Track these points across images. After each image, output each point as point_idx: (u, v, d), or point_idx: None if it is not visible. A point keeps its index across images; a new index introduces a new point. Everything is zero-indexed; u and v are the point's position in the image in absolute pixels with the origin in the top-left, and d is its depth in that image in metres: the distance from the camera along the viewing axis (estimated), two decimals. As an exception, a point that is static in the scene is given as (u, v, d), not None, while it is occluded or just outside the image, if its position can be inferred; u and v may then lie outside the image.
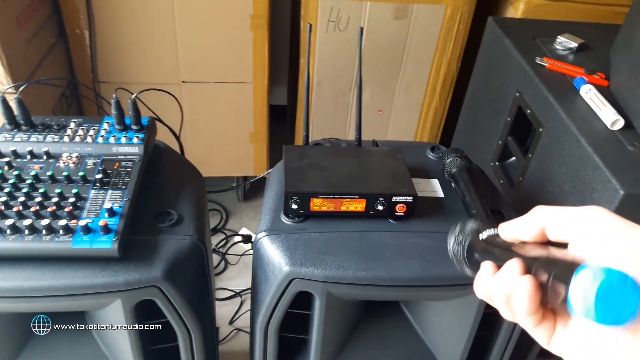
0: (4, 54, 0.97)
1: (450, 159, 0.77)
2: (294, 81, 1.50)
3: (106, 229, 0.59)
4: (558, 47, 1.01)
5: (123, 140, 0.71)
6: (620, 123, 0.80)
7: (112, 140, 0.71)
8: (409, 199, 0.68)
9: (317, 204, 0.67)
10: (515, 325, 0.73)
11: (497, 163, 1.07)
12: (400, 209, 0.68)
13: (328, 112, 1.45)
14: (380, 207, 0.68)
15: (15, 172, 0.64)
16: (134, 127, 0.72)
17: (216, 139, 1.44)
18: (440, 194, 0.75)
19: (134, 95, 0.71)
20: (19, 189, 0.63)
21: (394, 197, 0.68)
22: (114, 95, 0.71)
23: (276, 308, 0.67)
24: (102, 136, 0.70)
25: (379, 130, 1.50)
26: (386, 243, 0.67)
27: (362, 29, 0.76)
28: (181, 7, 1.23)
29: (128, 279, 0.60)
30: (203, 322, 0.69)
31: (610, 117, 0.80)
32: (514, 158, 1.04)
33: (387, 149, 0.78)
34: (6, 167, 0.65)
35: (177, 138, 0.87)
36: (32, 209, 0.60)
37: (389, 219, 0.69)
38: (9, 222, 0.58)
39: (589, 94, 0.86)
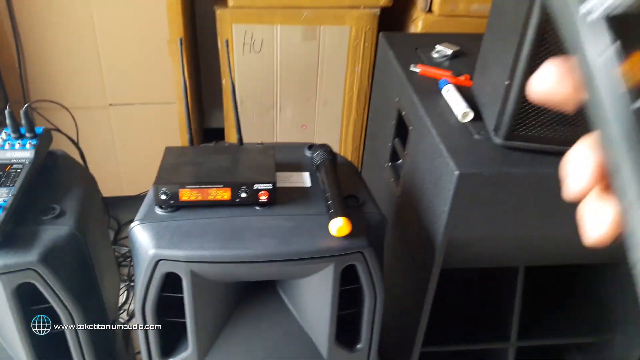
0: None
1: (316, 153, 0.87)
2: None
3: (-14, 219, 0.67)
4: (435, 55, 1.13)
5: (17, 146, 0.79)
6: (470, 115, 0.91)
7: (7, 146, 0.79)
8: (269, 186, 0.77)
9: (185, 195, 0.76)
10: (376, 301, 0.81)
11: (389, 164, 1.17)
12: (262, 196, 0.77)
13: (253, 129, 1.55)
14: (244, 195, 0.77)
15: None
16: (28, 135, 0.81)
17: (147, 158, 1.53)
18: (308, 184, 0.85)
19: (25, 106, 0.80)
20: None
21: (255, 185, 0.77)
22: (7, 108, 0.80)
23: (148, 290, 0.74)
24: (-5, 143, 0.79)
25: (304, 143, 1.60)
26: (248, 226, 0.75)
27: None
28: (103, 34, 1.34)
29: (7, 263, 0.68)
30: (87, 306, 0.76)
31: (460, 110, 0.91)
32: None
33: (262, 147, 0.87)
34: None
35: (77, 145, 0.95)
36: None
37: (254, 205, 0.78)
38: None
39: (448, 92, 0.97)
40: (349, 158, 1.64)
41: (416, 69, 1.06)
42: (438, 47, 1.14)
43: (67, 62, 1.37)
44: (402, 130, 1.10)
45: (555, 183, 0.81)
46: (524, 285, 1.05)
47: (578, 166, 0.25)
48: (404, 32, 1.34)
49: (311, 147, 0.93)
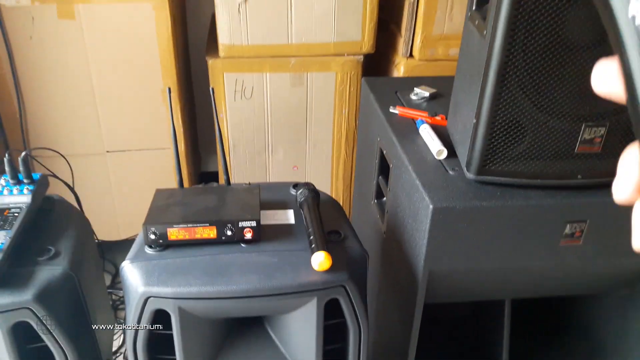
0: None
1: (300, 191, 0.91)
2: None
3: (-16, 262, 0.72)
4: (414, 97, 1.19)
5: (15, 191, 0.84)
6: (444, 153, 0.96)
7: (5, 192, 0.84)
8: (253, 223, 0.81)
9: (173, 234, 0.80)
10: (360, 335, 0.84)
11: (375, 201, 1.22)
12: (247, 233, 0.82)
13: (246, 172, 1.60)
14: (229, 232, 0.81)
15: None
16: (26, 181, 0.86)
17: (143, 202, 1.58)
18: (292, 221, 0.89)
19: (23, 153, 0.86)
20: None
21: (240, 223, 0.81)
22: (6, 156, 0.85)
23: (139, 327, 0.77)
24: (-6, 190, 0.84)
25: (296, 185, 1.66)
26: (233, 262, 0.79)
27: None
28: (100, 84, 1.43)
29: (3, 302, 0.71)
30: (80, 346, 0.79)
31: (435, 148, 0.96)
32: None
33: (247, 187, 0.92)
34: None
35: (72, 190, 1.00)
36: None
37: (240, 243, 0.82)
38: None
39: (424, 131, 1.02)
40: (340, 197, 1.68)
41: (395, 110, 1.12)
42: (416, 90, 1.20)
43: (65, 111, 1.45)
44: (384, 168, 1.15)
45: (527, 215, 0.86)
46: (513, 318, 1.08)
47: (628, 170, 0.24)
48: (385, 77, 1.41)
49: (296, 185, 0.98)
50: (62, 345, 0.76)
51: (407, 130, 1.05)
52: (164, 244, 0.81)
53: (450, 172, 0.92)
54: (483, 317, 1.19)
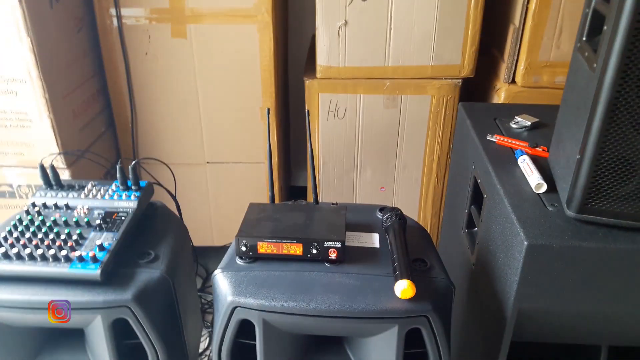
0: (60, 138, 1.27)
1: (386, 216, 0.92)
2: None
3: (94, 259, 0.79)
4: (514, 125, 1.16)
5: (123, 197, 0.93)
6: (544, 187, 0.92)
7: (115, 197, 0.93)
8: (338, 244, 0.83)
9: (263, 247, 0.84)
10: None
11: (465, 230, 1.19)
12: (332, 253, 0.83)
13: (335, 190, 1.63)
14: (314, 251, 0.83)
15: (41, 218, 0.87)
16: (133, 187, 0.95)
17: (237, 212, 1.66)
18: (377, 245, 0.90)
19: (133, 162, 0.94)
20: (40, 229, 0.85)
21: (325, 242, 0.83)
22: (118, 164, 0.94)
23: (225, 335, 0.81)
24: (108, 194, 0.93)
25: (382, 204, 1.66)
26: (317, 281, 0.81)
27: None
28: (205, 100, 1.54)
29: (106, 299, 0.78)
30: (171, 345, 0.85)
31: (534, 181, 0.92)
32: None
33: (335, 207, 0.94)
34: (36, 215, 0.89)
35: (174, 198, 1.08)
36: (45, 243, 0.82)
37: (324, 262, 0.84)
38: (27, 251, 0.80)
39: (523, 162, 0.99)
40: (428, 222, 1.66)
41: (493, 138, 1.09)
42: (517, 118, 1.16)
43: (172, 123, 1.57)
44: (478, 197, 1.12)
45: (632, 260, 0.80)
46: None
47: None
48: (483, 103, 1.38)
49: (382, 209, 0.99)
50: (154, 344, 0.82)
51: (504, 160, 1.02)
52: (253, 257, 0.85)
53: (549, 208, 0.88)
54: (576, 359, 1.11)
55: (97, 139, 1.48)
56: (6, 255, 0.80)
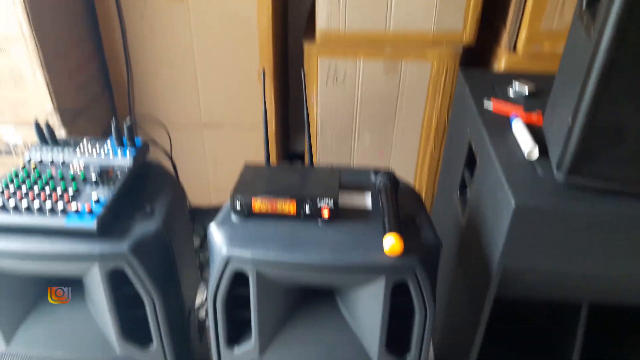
0: (56, 97, 1.28)
1: (379, 178, 0.94)
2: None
3: (90, 212, 0.82)
4: (512, 92, 1.16)
5: (119, 154, 0.95)
6: (536, 152, 0.93)
7: (110, 154, 0.95)
8: (331, 203, 0.85)
9: (257, 205, 0.86)
10: (426, 321, 0.85)
11: (458, 194, 1.21)
12: (324, 211, 0.86)
13: (333, 155, 1.64)
14: (308, 209, 0.85)
15: (37, 173, 0.89)
16: (129, 145, 0.96)
17: (234, 173, 1.68)
18: (369, 205, 0.92)
19: (128, 119, 0.95)
20: (37, 183, 0.87)
21: (318, 201, 0.85)
22: (113, 120, 0.95)
23: (219, 286, 0.84)
24: (103, 151, 0.95)
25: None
26: (309, 237, 0.83)
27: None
28: (201, 60, 1.54)
29: (103, 250, 0.81)
30: (167, 296, 0.88)
31: (527, 147, 0.94)
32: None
33: (329, 169, 0.96)
34: (32, 170, 0.91)
35: (170, 157, 1.09)
36: (42, 197, 0.84)
37: (317, 220, 0.87)
38: (24, 204, 0.82)
39: (517, 128, 1.00)
40: (424, 188, 1.68)
41: (489, 103, 1.10)
42: (515, 85, 1.17)
43: (169, 84, 1.57)
44: (471, 162, 1.14)
45: (618, 224, 0.82)
46: (588, 323, 1.03)
47: None
48: (484, 69, 1.38)
49: (377, 172, 1.00)
50: (151, 294, 0.85)
51: (499, 126, 1.04)
52: (248, 213, 0.87)
53: (539, 173, 0.90)
54: (557, 316, 1.15)
55: (94, 100, 1.49)
56: (3, 207, 0.82)
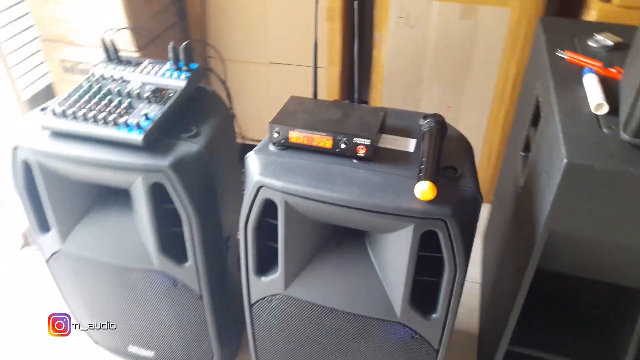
0: (130, 19, 1.36)
1: (425, 122, 0.91)
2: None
3: (138, 126, 0.87)
4: (593, 44, 1.07)
5: (174, 76, 0.99)
6: (604, 108, 0.86)
7: (167, 75, 0.99)
8: (367, 142, 0.84)
9: (294, 137, 0.87)
10: (456, 275, 0.84)
11: (521, 153, 1.15)
12: (360, 150, 0.85)
13: (398, 103, 1.61)
14: (343, 146, 0.86)
15: (98, 86, 0.96)
16: (185, 68, 1.01)
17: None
18: (411, 149, 0.90)
19: (185, 43, 0.99)
20: (96, 96, 0.94)
21: (354, 139, 0.85)
22: (171, 43, 0.99)
23: (250, 212, 0.88)
24: (161, 72, 1.00)
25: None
26: (341, 174, 0.84)
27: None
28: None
29: (147, 163, 0.87)
30: (205, 215, 0.94)
31: (594, 101, 0.87)
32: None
33: (375, 108, 0.95)
34: (94, 83, 0.98)
35: (224, 84, 1.13)
36: (98, 108, 0.90)
37: (353, 158, 0.87)
38: (82, 113, 0.89)
39: (589, 81, 0.92)
40: (495, 147, 1.61)
41: (563, 54, 1.02)
42: (597, 37, 1.07)
43: (241, 22, 1.61)
44: (537, 119, 1.07)
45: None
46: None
47: None
48: (566, 19, 1.27)
49: (426, 116, 0.98)
50: (188, 211, 0.91)
51: (569, 78, 0.96)
52: (285, 145, 0.89)
53: (604, 130, 0.83)
54: (619, 300, 1.08)
55: (168, 29, 1.55)
56: (64, 114, 0.90)
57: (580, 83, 0.95)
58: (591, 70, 0.95)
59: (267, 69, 1.65)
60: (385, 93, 1.60)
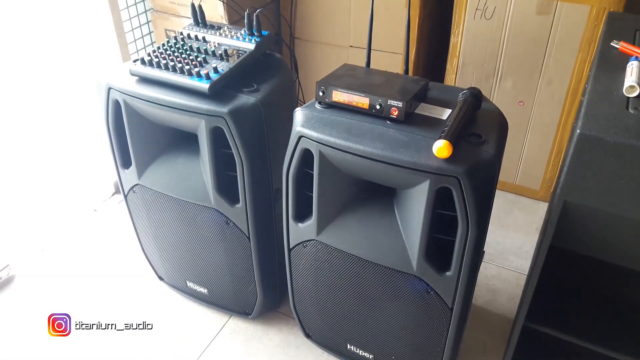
0: (225, -1, 1.57)
1: (461, 93, 1.01)
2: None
3: (207, 77, 1.06)
4: (655, 38, 1.09)
5: (246, 40, 1.17)
6: (636, 91, 0.90)
7: (240, 39, 1.18)
8: (400, 104, 0.96)
9: (336, 96, 1.01)
10: (468, 235, 0.92)
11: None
12: (394, 112, 0.97)
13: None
14: (378, 107, 0.98)
15: (182, 43, 1.17)
16: (256, 34, 1.19)
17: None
18: (444, 117, 1.00)
19: (256, 11, 1.17)
20: (178, 50, 1.15)
21: (388, 101, 0.97)
22: (246, 11, 1.18)
23: (292, 161, 1.03)
24: (235, 35, 1.18)
25: (519, 120, 1.66)
26: (372, 131, 0.96)
27: None
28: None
29: (209, 108, 1.05)
30: (257, 161, 1.10)
31: (627, 83, 0.91)
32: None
33: (418, 78, 1.05)
34: (180, 41, 1.19)
35: (291, 50, 1.29)
36: (178, 60, 1.11)
37: (387, 120, 0.98)
38: (164, 63, 1.10)
39: (631, 66, 0.96)
40: (565, 145, 1.63)
41: (616, 44, 1.06)
42: (662, 30, 1.09)
43: (326, 6, 1.77)
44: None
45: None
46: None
47: None
48: (635, 15, 1.27)
49: (464, 90, 1.06)
50: (241, 156, 1.08)
51: (613, 65, 1.00)
52: (328, 103, 1.02)
53: (630, 110, 0.88)
54: None
55: (261, 8, 1.76)
56: (151, 63, 1.11)
57: (623, 69, 0.99)
58: (638, 59, 0.99)
59: (347, 52, 1.80)
60: (459, 83, 1.68)
